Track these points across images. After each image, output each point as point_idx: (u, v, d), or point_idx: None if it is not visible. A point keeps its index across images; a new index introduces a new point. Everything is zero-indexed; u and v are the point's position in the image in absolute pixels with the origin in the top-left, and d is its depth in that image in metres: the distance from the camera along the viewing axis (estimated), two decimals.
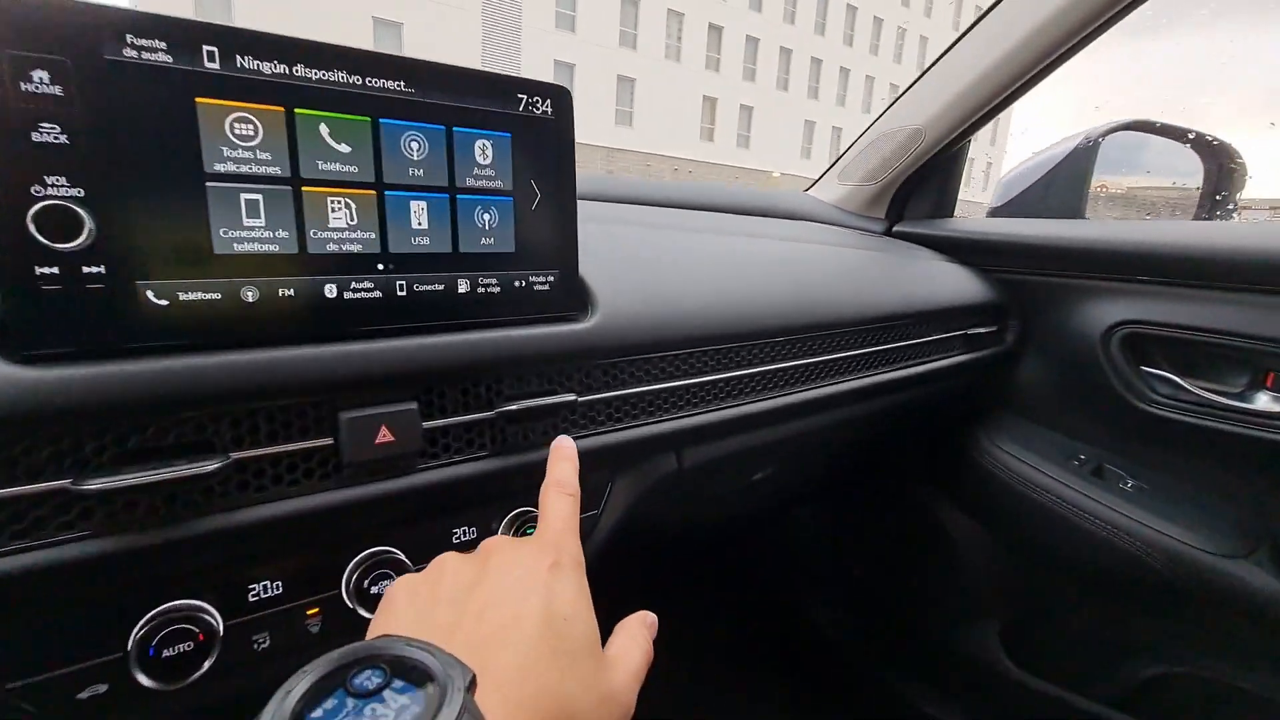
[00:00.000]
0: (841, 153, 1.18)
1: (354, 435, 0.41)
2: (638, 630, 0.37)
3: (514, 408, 0.48)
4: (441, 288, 0.46)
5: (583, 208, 0.53)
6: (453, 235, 0.46)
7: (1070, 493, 0.93)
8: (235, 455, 0.37)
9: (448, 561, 0.35)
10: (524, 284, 0.50)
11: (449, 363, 0.45)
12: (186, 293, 0.37)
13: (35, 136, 0.32)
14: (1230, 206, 1.03)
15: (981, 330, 0.94)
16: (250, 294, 0.38)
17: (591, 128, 23.12)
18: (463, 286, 0.47)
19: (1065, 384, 0.98)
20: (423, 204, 0.44)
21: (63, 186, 0.33)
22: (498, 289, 0.48)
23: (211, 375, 0.37)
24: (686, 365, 0.60)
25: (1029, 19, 0.85)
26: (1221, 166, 1.06)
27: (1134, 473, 0.92)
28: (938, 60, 0.99)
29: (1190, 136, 1.05)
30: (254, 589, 0.42)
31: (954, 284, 0.94)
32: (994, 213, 1.14)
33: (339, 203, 0.41)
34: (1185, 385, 0.85)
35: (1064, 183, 1.05)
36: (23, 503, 0.32)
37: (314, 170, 0.40)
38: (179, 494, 0.36)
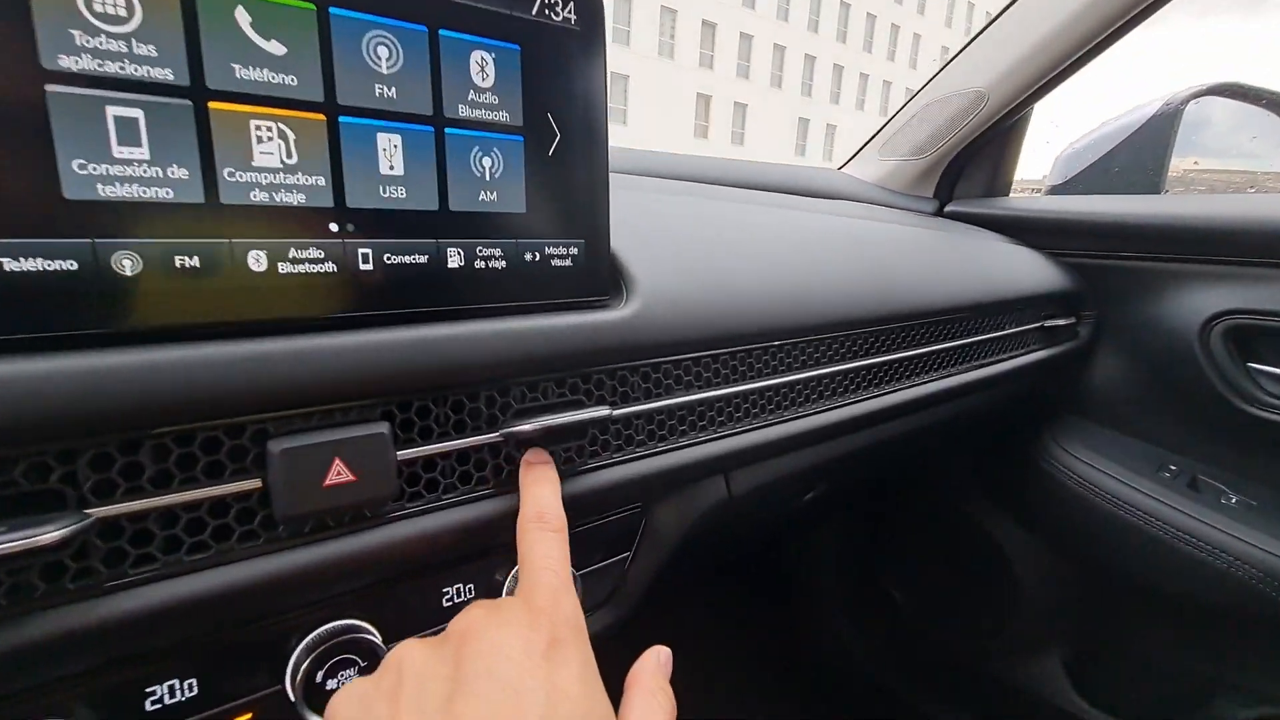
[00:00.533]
0: (881, 125, 1.05)
1: (291, 474, 0.27)
2: (655, 685, 0.29)
3: (527, 428, 0.34)
4: (424, 260, 0.32)
5: None
6: (439, 185, 0.32)
7: (1161, 507, 0.80)
8: (96, 512, 0.24)
9: (406, 658, 0.26)
10: (537, 257, 0.36)
11: (435, 366, 0.32)
12: (19, 260, 0.23)
13: None
14: None
15: (1060, 322, 0.81)
16: (127, 263, 0.25)
17: None
18: (454, 259, 0.33)
19: (1150, 384, 0.85)
20: (395, 138, 0.31)
21: None
22: (502, 263, 0.35)
23: (64, 386, 0.23)
24: (738, 366, 0.47)
25: None
26: None
27: (1236, 486, 0.80)
28: (999, 15, 0.86)
29: None
30: (155, 693, 0.29)
31: (1026, 269, 0.81)
32: (1053, 191, 1.02)
33: (268, 129, 0.27)
34: None
35: (1139, 155, 0.92)
36: None
37: (228, 78, 0.26)
38: (4, 579, 0.23)
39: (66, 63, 0.23)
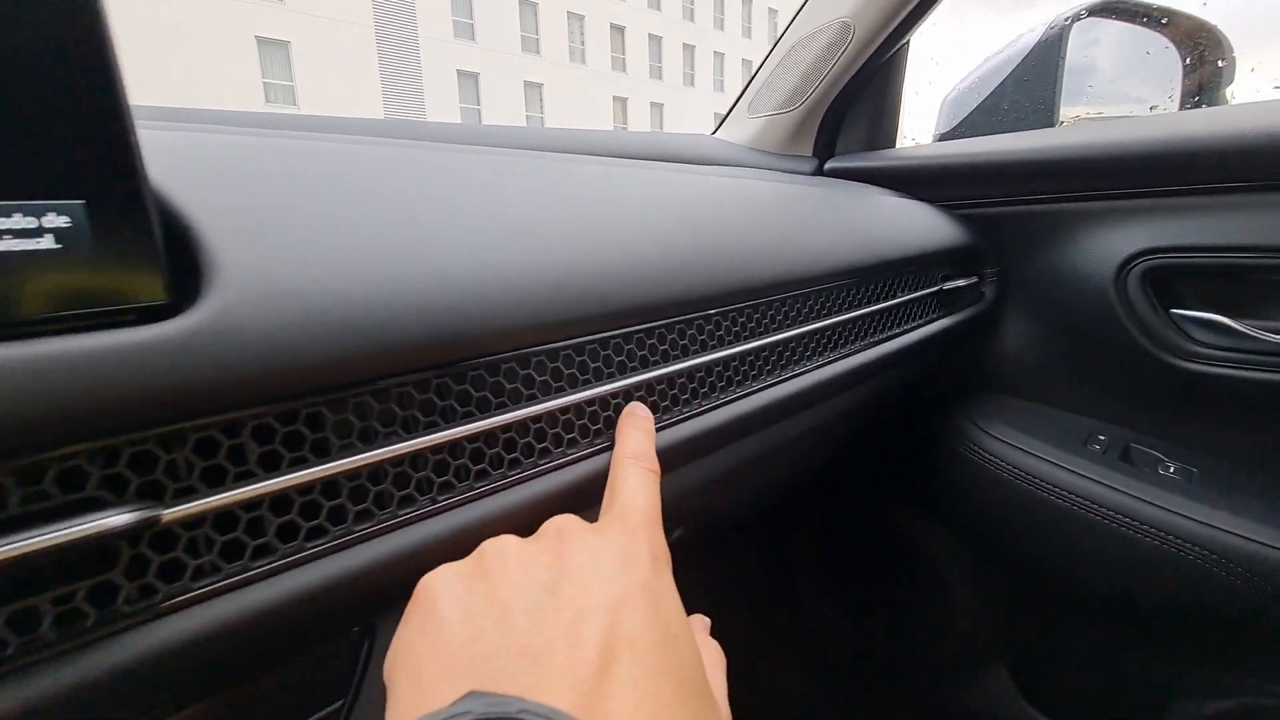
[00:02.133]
0: (748, 80, 0.91)
1: None
2: (707, 639, 0.32)
3: None
4: None
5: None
6: None
7: (1092, 486, 0.69)
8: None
9: (507, 545, 0.25)
10: None
11: None
12: None
13: None
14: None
15: (960, 283, 0.68)
16: None
17: None
18: None
19: (1067, 345, 0.74)
20: None
21: None
22: None
23: None
24: (444, 400, 0.30)
25: None
26: (1203, 58, 0.85)
27: (1174, 453, 0.69)
28: None
29: (1160, 19, 0.84)
30: None
31: (916, 224, 0.68)
32: (943, 139, 0.90)
33: None
34: (1236, 327, 0.63)
35: (1028, 87, 0.82)
36: None
37: None
38: None
39: None
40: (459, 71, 22.15)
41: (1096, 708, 0.79)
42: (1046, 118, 0.81)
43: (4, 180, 0.19)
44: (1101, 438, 0.72)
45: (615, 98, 27.18)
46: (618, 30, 26.60)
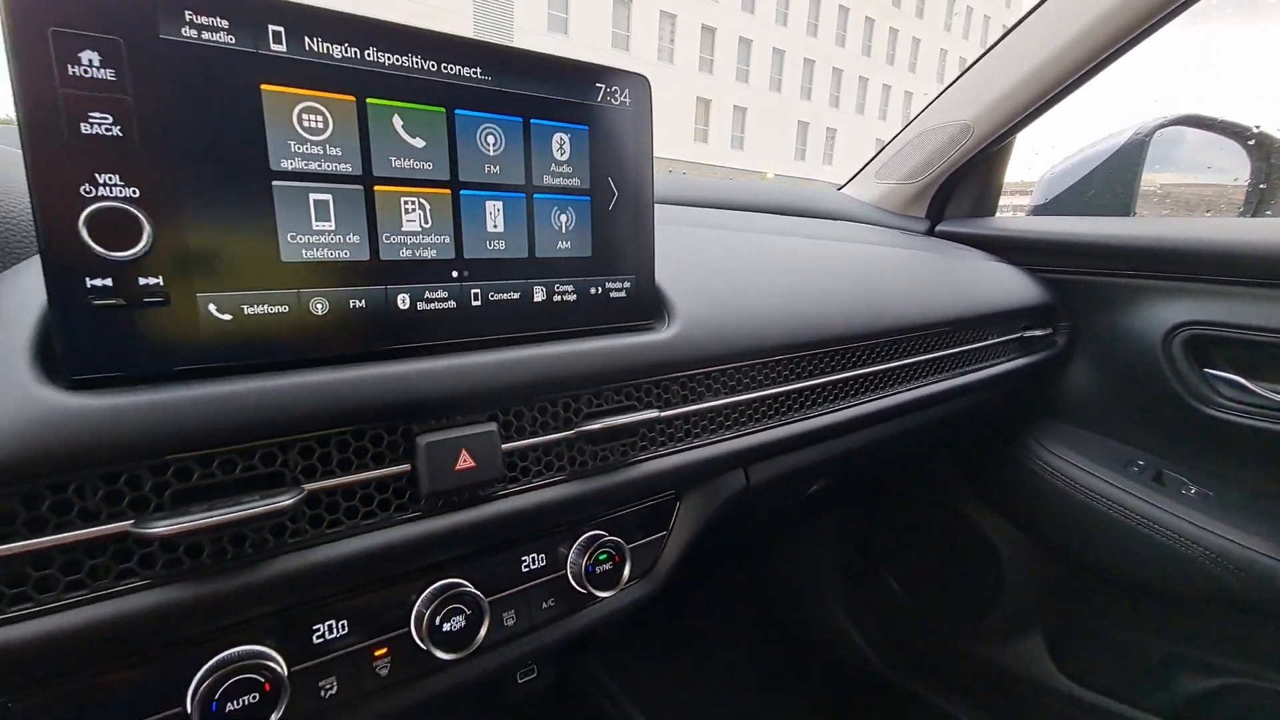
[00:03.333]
0: (876, 152, 1.14)
1: (434, 461, 0.37)
2: None
3: (595, 427, 0.43)
4: (517, 296, 0.41)
5: None
6: (529, 238, 0.42)
7: (1129, 499, 0.89)
8: (308, 487, 0.33)
9: None
10: (600, 291, 0.46)
11: (528, 379, 0.41)
12: (252, 306, 0.32)
13: (85, 128, 0.28)
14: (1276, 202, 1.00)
15: (1038, 333, 0.90)
16: (320, 306, 0.34)
17: None
18: (538, 294, 0.42)
19: (1120, 388, 0.94)
20: (499, 204, 0.40)
21: (117, 186, 0.28)
22: (574, 296, 0.44)
23: (281, 399, 0.32)
24: (759, 376, 0.56)
25: (1088, 9, 0.82)
26: (1271, 164, 1.03)
27: (1196, 479, 0.89)
28: (986, 53, 0.95)
29: (1254, 131, 1.02)
30: (318, 630, 0.38)
31: (1007, 284, 0.90)
32: (1037, 210, 1.11)
33: (413, 203, 0.37)
34: (1252, 388, 0.82)
35: (1112, 179, 1.01)
36: (79, 550, 0.28)
37: (387, 168, 0.36)
38: (248, 533, 0.32)
39: (286, 164, 0.32)
40: None
41: (1111, 676, 0.99)
42: (1124, 207, 1.00)
43: (609, 268, 0.46)
44: (1140, 463, 0.92)
45: (699, 98, 27.29)
46: (708, 31, 26.68)
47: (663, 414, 0.47)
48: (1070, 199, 1.06)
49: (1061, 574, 1.04)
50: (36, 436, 0.27)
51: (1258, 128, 0.99)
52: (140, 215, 0.29)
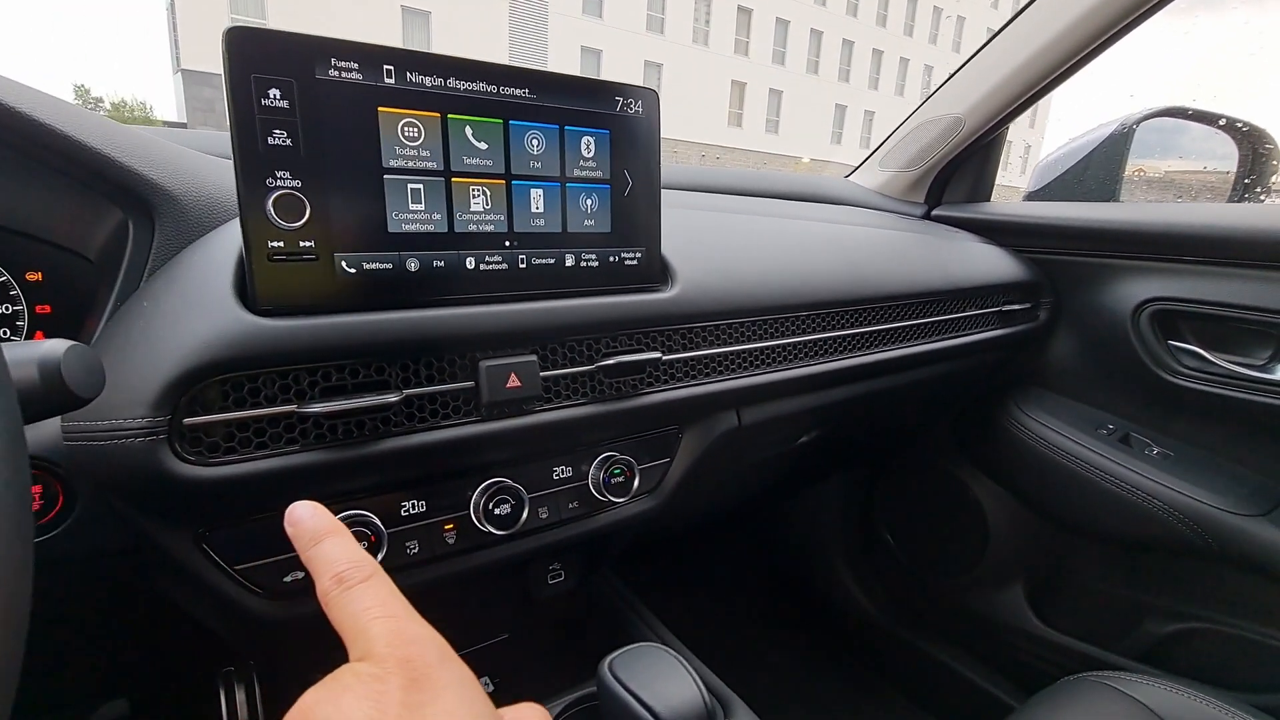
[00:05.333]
0: (881, 141, 1.24)
1: (491, 380, 0.50)
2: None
3: (611, 362, 0.57)
4: (552, 261, 0.55)
5: None
6: (562, 217, 0.55)
7: (1099, 459, 0.99)
8: (406, 392, 0.47)
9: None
10: (617, 259, 0.58)
11: (560, 324, 0.54)
12: (369, 263, 0.46)
13: (270, 140, 0.42)
14: (1259, 190, 1.06)
15: (1016, 307, 1.00)
16: (413, 264, 0.48)
17: None
18: (569, 260, 0.56)
19: (1095, 358, 1.04)
20: (540, 191, 0.53)
21: (288, 179, 0.42)
22: (596, 263, 0.57)
23: (388, 330, 0.46)
24: (750, 332, 0.68)
25: (1070, 8, 0.90)
26: (1255, 151, 1.09)
27: (1160, 441, 0.98)
28: (979, 50, 1.04)
29: (1221, 122, 1.08)
30: (405, 506, 0.52)
31: (990, 263, 1.00)
32: (1030, 196, 1.19)
33: (479, 190, 0.50)
34: (1210, 358, 0.91)
35: (1099, 167, 1.09)
36: (264, 421, 0.43)
37: (461, 164, 0.49)
38: (367, 420, 0.46)
39: (393, 163, 0.46)
40: (583, 48, 22.79)
41: (1084, 622, 1.09)
42: (1110, 193, 1.08)
43: (625, 241, 0.59)
44: (1110, 426, 1.01)
45: (734, 81, 26.98)
46: (744, 12, 26.30)
47: (665, 357, 0.60)
48: (1062, 185, 1.15)
49: (1040, 529, 1.14)
50: (239, 344, 0.41)
51: (1223, 119, 1.06)
52: (304, 198, 0.43)
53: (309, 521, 0.31)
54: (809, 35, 28.16)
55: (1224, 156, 1.21)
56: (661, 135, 0.59)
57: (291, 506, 0.32)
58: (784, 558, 1.56)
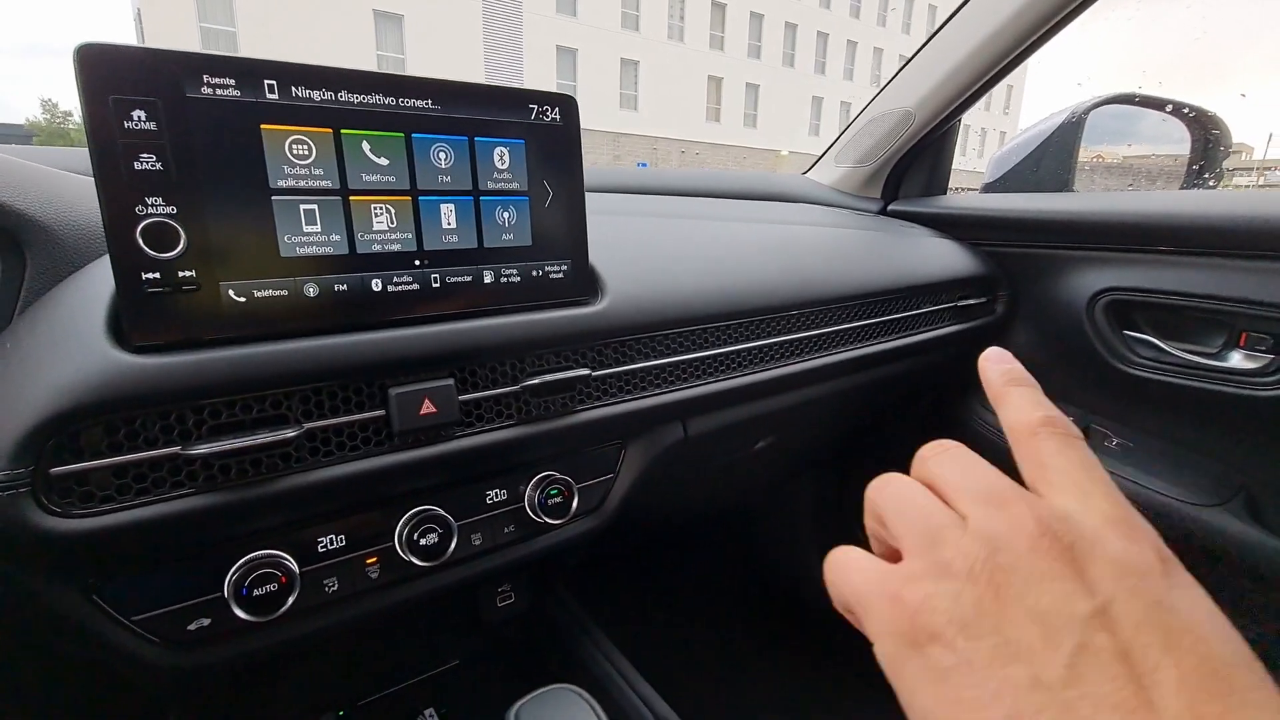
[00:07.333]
0: (836, 136, 1.22)
1: (402, 408, 0.48)
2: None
3: (535, 382, 0.54)
4: (469, 279, 0.52)
5: (591, 200, 0.59)
6: (477, 232, 0.52)
7: None
8: (306, 425, 0.44)
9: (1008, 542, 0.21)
10: (540, 273, 0.56)
11: (478, 344, 0.52)
12: (260, 290, 0.43)
13: (137, 165, 0.39)
14: (1207, 176, 1.06)
15: (972, 301, 0.99)
16: (311, 289, 0.45)
17: (596, 113, 22.96)
18: (488, 277, 0.53)
19: (1053, 350, 1.03)
20: (451, 206, 0.51)
21: (160, 206, 0.40)
22: (518, 278, 0.55)
23: (283, 360, 0.43)
24: (689, 342, 0.66)
25: (1008, 2, 0.89)
26: (1205, 135, 1.09)
27: (1120, 432, 0.97)
28: (925, 44, 1.02)
29: (1168, 107, 1.08)
30: (322, 542, 0.50)
31: (945, 258, 0.99)
32: (988, 188, 1.18)
33: (381, 209, 0.47)
34: (1165, 347, 0.90)
35: (1052, 157, 1.08)
36: (144, 465, 0.40)
37: (359, 181, 0.46)
38: (263, 458, 0.43)
39: (281, 183, 0.43)
40: (558, 47, 22.68)
41: None
42: (1063, 183, 1.07)
43: (548, 254, 0.56)
44: (1070, 418, 1.00)
45: (710, 77, 26.98)
46: (719, 7, 26.31)
47: (595, 373, 0.58)
48: (1018, 176, 1.14)
49: None
50: (112, 386, 0.38)
51: (1169, 105, 1.05)
52: (177, 226, 0.40)
53: (1017, 370, 0.28)
54: (783, 28, 28.23)
55: (1179, 140, 1.21)
56: (581, 142, 0.57)
57: (993, 352, 0.29)
58: (756, 558, 1.54)
